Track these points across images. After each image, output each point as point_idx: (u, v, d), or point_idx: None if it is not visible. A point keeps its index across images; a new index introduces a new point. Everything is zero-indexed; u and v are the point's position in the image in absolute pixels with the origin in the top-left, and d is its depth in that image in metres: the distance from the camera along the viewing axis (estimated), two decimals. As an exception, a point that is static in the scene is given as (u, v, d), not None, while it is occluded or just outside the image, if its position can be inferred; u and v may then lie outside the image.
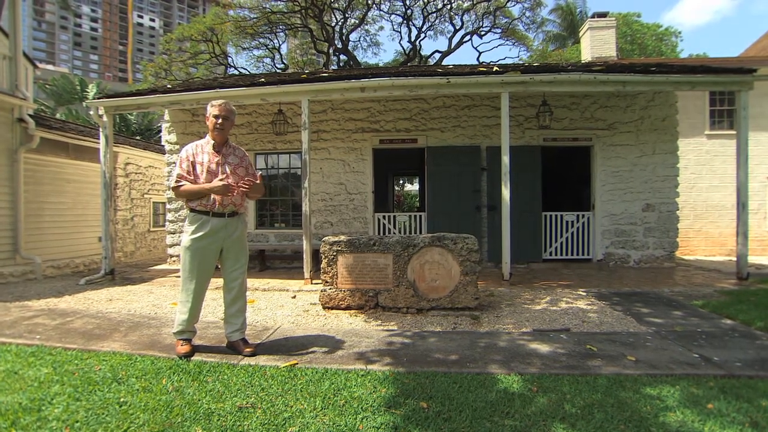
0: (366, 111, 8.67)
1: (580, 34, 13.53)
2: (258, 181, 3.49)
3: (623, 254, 8.21)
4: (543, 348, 3.71)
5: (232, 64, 22.35)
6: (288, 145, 8.79)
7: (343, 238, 5.11)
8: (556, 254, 8.32)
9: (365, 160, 8.58)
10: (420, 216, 8.56)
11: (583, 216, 8.35)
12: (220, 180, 3.42)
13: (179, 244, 10.12)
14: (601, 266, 8.07)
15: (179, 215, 9.16)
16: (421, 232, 8.43)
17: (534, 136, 8.34)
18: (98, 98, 7.62)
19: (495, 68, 7.14)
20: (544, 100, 7.90)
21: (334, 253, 5.03)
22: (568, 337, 3.99)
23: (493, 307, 5.13)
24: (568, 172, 10.84)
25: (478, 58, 23.00)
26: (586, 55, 12.63)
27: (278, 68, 23.23)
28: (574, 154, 9.31)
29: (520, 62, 21.36)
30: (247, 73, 21.19)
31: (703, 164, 10.43)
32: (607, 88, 6.46)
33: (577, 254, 8.31)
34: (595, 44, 12.46)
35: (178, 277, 7.36)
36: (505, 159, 6.38)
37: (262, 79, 7.54)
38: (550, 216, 8.35)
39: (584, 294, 5.76)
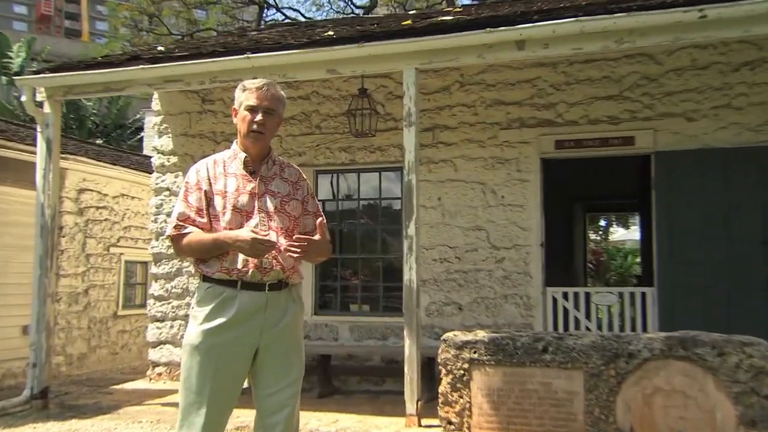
0: (528, 86, 8.88)
1: None
2: (317, 237, 3.71)
3: None
4: None
5: (271, 1, 23.71)
6: (376, 154, 9.20)
7: (482, 335, 5.25)
8: None
9: (526, 181, 8.73)
10: (642, 294, 8.46)
11: None
12: (253, 229, 3.64)
13: (172, 342, 10.53)
14: None
15: (174, 287, 9.84)
16: (645, 327, 8.24)
17: None
18: (33, 73, 8.56)
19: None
20: None
21: (466, 366, 5.16)
22: None
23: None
24: None
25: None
26: None
27: (357, 8, 24.24)
28: None
29: None
30: (301, 19, 22.00)
31: None
32: None
33: None
34: None
35: (169, 405, 7.66)
36: None
37: (330, 33, 8.01)
38: None
39: None
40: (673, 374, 4.87)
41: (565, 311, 8.64)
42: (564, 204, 13.55)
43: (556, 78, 8.83)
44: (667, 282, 8.28)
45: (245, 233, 3.59)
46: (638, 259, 21.55)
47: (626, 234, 26.82)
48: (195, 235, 3.72)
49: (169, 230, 3.78)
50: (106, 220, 11.98)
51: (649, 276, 9.51)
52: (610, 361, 4.94)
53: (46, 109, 8.24)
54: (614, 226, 28.60)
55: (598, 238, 28.24)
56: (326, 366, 8.73)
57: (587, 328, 8.48)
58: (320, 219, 3.79)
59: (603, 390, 4.92)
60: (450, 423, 5.19)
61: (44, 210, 8.17)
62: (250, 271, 3.68)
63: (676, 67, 8.55)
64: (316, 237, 3.70)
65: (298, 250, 3.60)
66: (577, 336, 5.15)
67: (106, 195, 12.01)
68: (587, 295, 8.72)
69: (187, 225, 3.74)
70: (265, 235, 3.62)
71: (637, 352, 4.91)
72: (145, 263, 12.34)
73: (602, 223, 28.27)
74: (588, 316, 8.60)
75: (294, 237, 3.66)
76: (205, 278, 3.76)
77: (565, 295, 8.71)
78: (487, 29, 6.83)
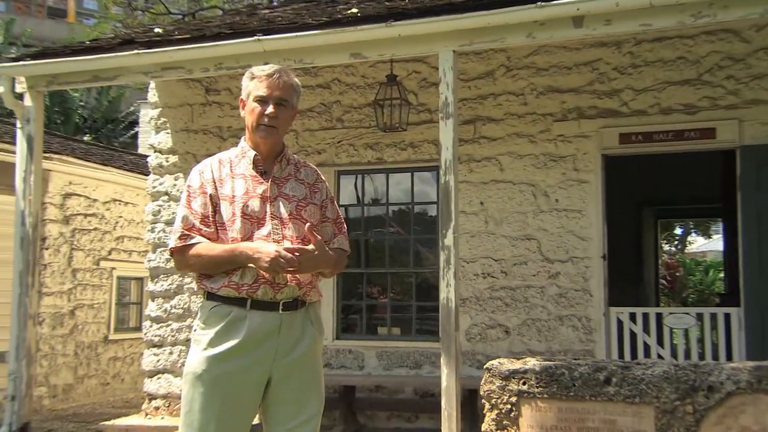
0: (587, 70, 8.83)
1: None
2: (311, 247, 3.57)
3: None
4: None
5: (286, -26, 23.92)
6: (408, 152, 9.19)
7: (533, 363, 5.17)
8: None
9: (585, 182, 8.67)
10: (726, 316, 8.35)
11: None
12: (283, 248, 3.55)
13: (171, 371, 10.51)
14: None
15: (174, 306, 9.87)
16: (729, 355, 8.15)
17: None
18: (12, 60, 8.54)
19: None
20: None
21: (514, 400, 5.08)
22: None
23: None
24: None
25: None
26: None
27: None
28: None
29: None
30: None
31: None
32: None
33: None
34: None
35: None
36: None
37: (353, 10, 7.97)
38: None
39: None
40: (764, 412, 4.69)
41: (633, 336, 8.54)
42: (631, 209, 13.50)
43: (620, 60, 8.75)
44: (757, 301, 8.15)
45: (269, 248, 3.53)
46: (722, 274, 21.49)
47: (707, 244, 26.78)
48: (205, 246, 3.69)
49: (173, 241, 3.74)
50: (95, 229, 12.03)
51: (734, 294, 9.47)
52: (687, 395, 4.78)
53: (27, 101, 8.26)
54: (692, 234, 28.49)
55: (673, 249, 28.16)
56: (350, 399, 8.68)
57: (659, 356, 8.36)
58: (308, 224, 3.69)
59: (678, 429, 4.76)
60: (496, 467, 5.06)
61: (25, 218, 8.15)
62: (260, 286, 3.64)
63: (767, 45, 8.40)
64: (310, 247, 3.60)
65: (295, 264, 3.53)
66: (646, 365, 5.00)
67: (95, 200, 12.06)
68: (659, 316, 8.59)
69: (193, 234, 3.71)
70: (296, 256, 3.51)
71: (719, 385, 4.74)
72: (140, 279, 12.41)
73: (678, 231, 28.14)
74: (660, 342, 8.50)
75: (283, 247, 3.56)
76: (209, 296, 3.74)
77: (633, 317, 8.59)
78: (539, 3, 6.69)
